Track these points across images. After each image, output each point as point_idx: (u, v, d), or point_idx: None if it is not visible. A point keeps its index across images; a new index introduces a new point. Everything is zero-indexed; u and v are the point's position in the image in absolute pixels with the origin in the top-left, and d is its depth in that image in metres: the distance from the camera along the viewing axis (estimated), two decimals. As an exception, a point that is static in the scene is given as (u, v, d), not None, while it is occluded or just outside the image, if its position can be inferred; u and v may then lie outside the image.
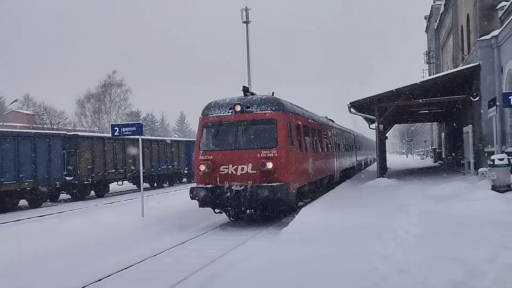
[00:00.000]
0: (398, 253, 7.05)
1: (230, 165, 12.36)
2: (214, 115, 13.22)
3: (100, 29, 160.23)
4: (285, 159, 12.23)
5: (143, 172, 15.87)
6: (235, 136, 12.73)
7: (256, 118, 12.69)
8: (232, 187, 12.05)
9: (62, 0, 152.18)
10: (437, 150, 47.67)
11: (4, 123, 55.45)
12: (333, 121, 24.13)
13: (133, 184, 29.77)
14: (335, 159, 21.61)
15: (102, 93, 71.27)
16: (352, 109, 21.67)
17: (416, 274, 5.92)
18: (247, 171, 12.20)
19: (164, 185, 32.93)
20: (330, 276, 6.03)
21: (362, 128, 41.41)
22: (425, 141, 74.28)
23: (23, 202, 20.82)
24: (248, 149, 12.45)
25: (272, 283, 5.97)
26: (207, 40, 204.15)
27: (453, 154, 31.82)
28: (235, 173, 12.30)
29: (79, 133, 26.62)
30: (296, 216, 11.39)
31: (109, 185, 27.15)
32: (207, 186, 12.34)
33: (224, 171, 12.40)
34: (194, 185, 13.01)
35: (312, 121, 16.95)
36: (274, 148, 12.22)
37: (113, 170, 26.48)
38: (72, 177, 23.40)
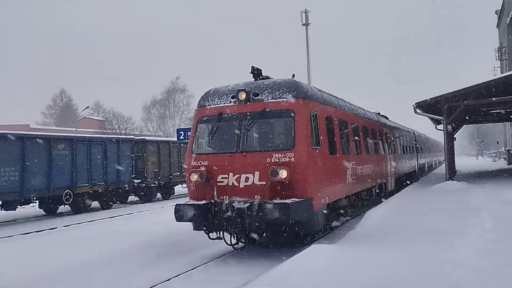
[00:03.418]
0: (471, 259, 6.71)
1: (231, 174, 9.45)
2: (212, 106, 10.30)
3: (163, 35, 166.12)
4: (306, 165, 9.15)
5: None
6: (238, 134, 9.74)
7: (267, 109, 9.65)
8: (233, 204, 9.07)
9: (128, 10, 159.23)
10: (511, 152, 44.99)
11: (77, 129, 58.68)
12: (386, 118, 21.28)
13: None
14: (389, 163, 18.45)
15: (167, 99, 73.94)
16: (417, 110, 20.92)
17: (492, 282, 5.60)
18: (253, 181, 9.25)
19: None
20: (399, 281, 5.84)
21: (427, 129, 39.86)
22: (498, 142, 70.35)
23: (95, 204, 21.91)
24: (255, 152, 9.53)
25: (338, 286, 5.87)
26: (266, 42, 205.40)
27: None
28: (237, 184, 9.37)
29: (146, 138, 27.67)
30: (354, 228, 11.10)
31: (174, 187, 27.98)
32: (198, 202, 9.37)
33: (222, 182, 9.51)
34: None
35: (353, 116, 13.73)
36: (290, 150, 9.20)
37: (178, 173, 27.23)
38: (140, 180, 24.33)
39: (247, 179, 9.30)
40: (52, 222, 17.29)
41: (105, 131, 58.52)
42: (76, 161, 19.96)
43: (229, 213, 9.05)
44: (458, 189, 17.84)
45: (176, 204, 9.52)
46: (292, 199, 8.88)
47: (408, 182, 24.09)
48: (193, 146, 10.28)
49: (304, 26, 35.93)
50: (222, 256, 9.93)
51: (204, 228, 9.68)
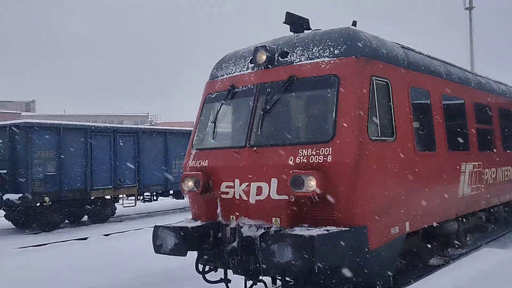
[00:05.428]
0: None
1: (237, 181, 6.23)
2: (224, 77, 7.18)
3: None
4: (355, 169, 5.57)
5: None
6: (250, 119, 6.43)
7: (297, 76, 6.18)
8: (241, 229, 6.00)
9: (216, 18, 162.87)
10: None
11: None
12: None
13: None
14: None
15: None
16: None
17: None
18: (269, 194, 5.96)
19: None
20: None
21: None
22: None
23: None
24: (272, 146, 6.17)
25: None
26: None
27: None
28: (246, 198, 6.12)
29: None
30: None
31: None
32: (184, 225, 6.24)
33: (227, 192, 6.36)
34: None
35: (479, 92, 9.45)
36: (327, 144, 5.72)
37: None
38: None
39: (259, 190, 6.05)
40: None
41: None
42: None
43: (235, 244, 5.96)
44: None
45: (155, 226, 6.43)
46: (327, 227, 5.42)
47: None
48: (195, 137, 7.24)
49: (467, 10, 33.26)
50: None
51: (197, 265, 6.51)
